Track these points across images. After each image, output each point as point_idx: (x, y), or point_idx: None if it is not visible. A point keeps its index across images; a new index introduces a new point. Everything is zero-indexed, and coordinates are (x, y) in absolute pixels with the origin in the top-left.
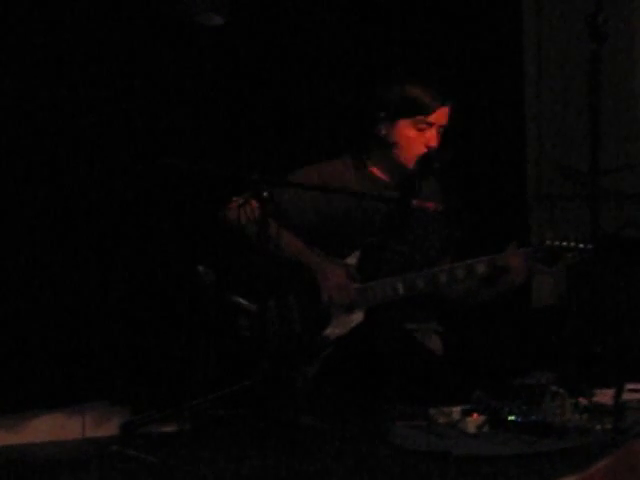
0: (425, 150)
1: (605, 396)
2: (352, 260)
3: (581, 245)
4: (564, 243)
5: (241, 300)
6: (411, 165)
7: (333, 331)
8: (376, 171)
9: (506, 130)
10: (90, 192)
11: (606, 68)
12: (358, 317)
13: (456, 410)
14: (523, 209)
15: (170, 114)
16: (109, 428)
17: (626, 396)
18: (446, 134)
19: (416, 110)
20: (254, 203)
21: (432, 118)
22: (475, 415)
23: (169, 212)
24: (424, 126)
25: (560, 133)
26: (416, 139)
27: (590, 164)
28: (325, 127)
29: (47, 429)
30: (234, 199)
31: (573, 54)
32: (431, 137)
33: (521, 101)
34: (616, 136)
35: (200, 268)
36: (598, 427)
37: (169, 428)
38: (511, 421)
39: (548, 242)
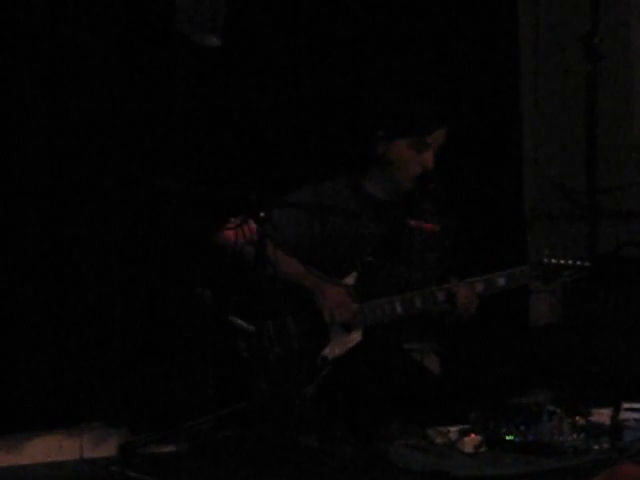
0: (421, 171)
1: (602, 415)
2: (350, 280)
3: (578, 263)
4: (561, 261)
5: (239, 321)
6: (408, 185)
7: (332, 351)
8: (373, 190)
9: (503, 148)
10: (88, 213)
11: (603, 87)
12: (356, 337)
13: (454, 430)
14: (521, 228)
15: (166, 135)
16: (107, 449)
17: (623, 415)
18: (443, 154)
19: (414, 131)
20: (251, 224)
21: (430, 139)
22: (473, 435)
23: (167, 234)
24: (422, 147)
25: (557, 152)
26: (413, 159)
27: (587, 183)
28: (321, 147)
29: (45, 450)
30: (231, 220)
31: (570, 73)
32: (428, 158)
33: (518, 119)
34: (613, 155)
35: (198, 289)
36: (595, 446)
37: (167, 449)
38: (509, 441)
39: (545, 260)
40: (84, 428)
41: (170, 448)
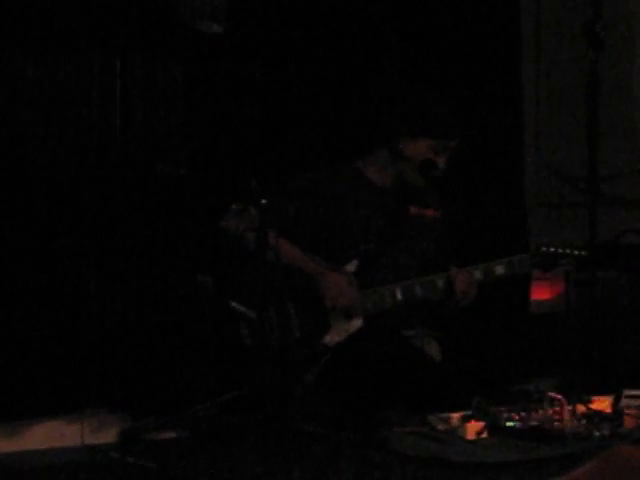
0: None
1: (603, 403)
2: (351, 267)
3: (576, 252)
4: (559, 250)
5: (241, 307)
6: (417, 181)
7: (332, 338)
8: (375, 178)
9: (504, 137)
10: (90, 199)
11: (605, 75)
12: (357, 324)
13: (455, 416)
14: (522, 216)
15: (168, 121)
16: (108, 435)
17: (624, 402)
18: None
19: (442, 134)
20: (252, 211)
21: (452, 144)
22: (474, 421)
23: (168, 220)
24: (441, 150)
25: (559, 140)
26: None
27: (588, 171)
28: (321, 134)
29: (46, 436)
30: (232, 206)
31: (572, 61)
32: (443, 161)
33: (520, 108)
34: (614, 143)
35: (199, 276)
36: (596, 433)
37: (168, 435)
38: (510, 427)
39: (544, 248)
40: (85, 414)
41: (171, 434)
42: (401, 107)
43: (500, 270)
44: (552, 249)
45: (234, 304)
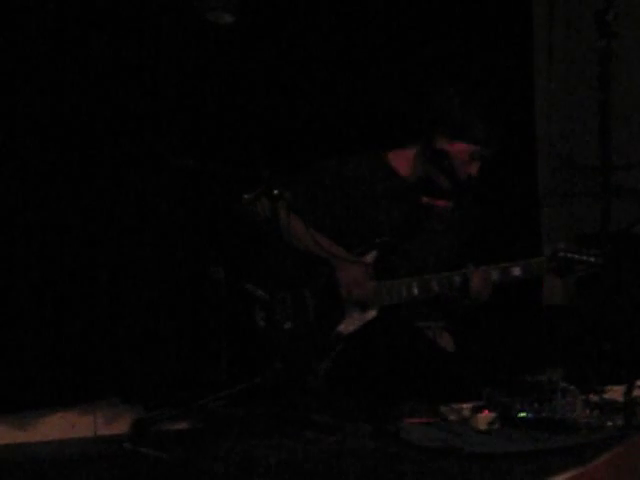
0: (465, 178)
1: (616, 392)
2: (369, 259)
3: (592, 259)
4: (575, 256)
5: (256, 290)
6: (446, 184)
7: (346, 327)
8: (403, 171)
9: (517, 127)
10: (100, 192)
11: (616, 64)
12: (371, 314)
13: (467, 407)
14: (534, 206)
15: (179, 113)
16: (121, 426)
17: (637, 392)
18: None
19: (481, 141)
20: (265, 201)
21: (488, 152)
22: (486, 412)
23: (179, 211)
24: (477, 157)
25: (571, 130)
26: (464, 165)
27: (601, 160)
28: (341, 123)
29: (58, 427)
30: (245, 196)
31: (583, 50)
32: (476, 168)
33: (531, 98)
34: (627, 132)
35: (212, 267)
36: (609, 423)
37: (181, 425)
38: (522, 418)
39: (561, 254)
40: (98, 405)
41: (184, 425)
42: (439, 107)
43: (517, 272)
44: (569, 255)
45: (249, 286)
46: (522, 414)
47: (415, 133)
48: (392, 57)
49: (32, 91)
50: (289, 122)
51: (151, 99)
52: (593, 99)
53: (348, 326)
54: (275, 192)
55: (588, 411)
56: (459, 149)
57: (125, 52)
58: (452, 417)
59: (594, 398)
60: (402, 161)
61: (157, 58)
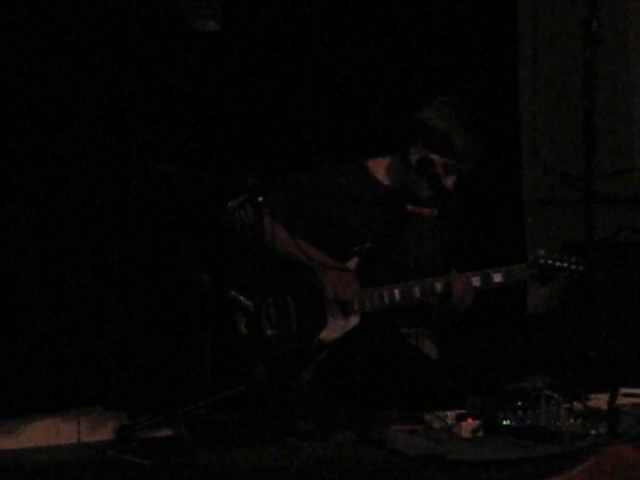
0: (441, 190)
1: (600, 401)
2: (352, 265)
3: (572, 267)
4: (557, 263)
5: (240, 296)
6: (422, 193)
7: (329, 334)
8: (382, 179)
9: (501, 135)
10: (85, 198)
11: (601, 73)
12: (353, 322)
13: (451, 415)
14: (519, 214)
15: (165, 119)
16: (104, 433)
17: (620, 401)
18: None
19: (455, 156)
20: (249, 208)
21: (465, 167)
22: (470, 420)
23: (164, 217)
24: (452, 171)
25: (555, 138)
26: (440, 177)
27: (585, 169)
28: (325, 131)
29: (42, 434)
30: (229, 203)
31: (568, 58)
32: (453, 180)
33: (516, 106)
34: (611, 141)
35: (195, 274)
36: (593, 432)
37: (165, 433)
38: (506, 426)
39: (542, 260)
40: (81, 412)
41: (167, 432)
42: (419, 118)
43: (498, 278)
44: (550, 261)
45: (233, 293)
46: (506, 422)
47: (392, 143)
48: (374, 67)
49: (18, 95)
50: (274, 129)
51: (136, 105)
52: (578, 108)
53: (331, 333)
54: (259, 199)
55: (572, 419)
56: (435, 162)
57: (110, 60)
58: (436, 425)
59: (578, 406)
60: (381, 169)
61: (143, 65)
